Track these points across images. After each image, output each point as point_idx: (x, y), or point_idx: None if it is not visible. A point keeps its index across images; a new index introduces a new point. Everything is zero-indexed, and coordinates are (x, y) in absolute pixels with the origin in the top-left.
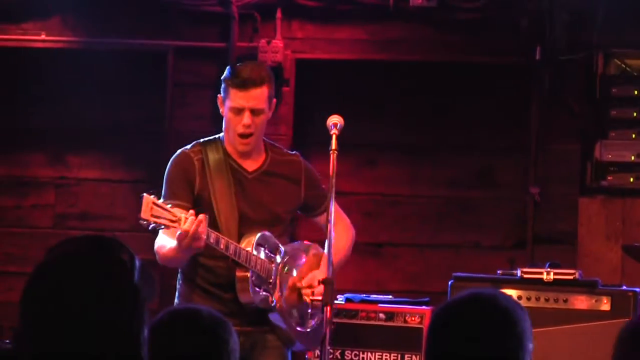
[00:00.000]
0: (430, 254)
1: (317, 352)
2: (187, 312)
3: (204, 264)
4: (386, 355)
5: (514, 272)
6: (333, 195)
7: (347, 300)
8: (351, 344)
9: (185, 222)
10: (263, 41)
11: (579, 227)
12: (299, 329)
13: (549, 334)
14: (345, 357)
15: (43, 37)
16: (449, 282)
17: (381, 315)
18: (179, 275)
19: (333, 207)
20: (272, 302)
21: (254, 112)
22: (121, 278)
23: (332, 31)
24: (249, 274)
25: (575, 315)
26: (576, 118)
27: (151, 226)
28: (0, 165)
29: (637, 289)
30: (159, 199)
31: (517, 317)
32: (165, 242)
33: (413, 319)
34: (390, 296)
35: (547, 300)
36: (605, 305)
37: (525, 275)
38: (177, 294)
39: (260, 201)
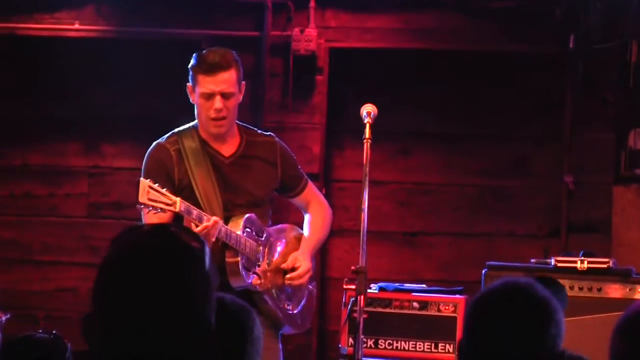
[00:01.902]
0: (464, 242)
1: (351, 340)
2: None
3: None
4: (420, 344)
5: (548, 261)
6: (367, 183)
7: (381, 289)
8: (385, 333)
9: (181, 204)
10: (296, 30)
11: (613, 215)
12: (286, 310)
13: (583, 322)
14: (379, 346)
15: (77, 26)
16: (483, 271)
17: (415, 305)
18: None
19: (366, 195)
20: (261, 284)
21: (225, 95)
22: (193, 267)
23: (365, 20)
24: (239, 258)
25: (609, 304)
26: (610, 107)
27: (148, 210)
28: (35, 155)
29: None
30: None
31: (555, 307)
32: None
33: (447, 308)
34: (424, 285)
35: (581, 289)
36: (639, 294)
37: (559, 264)
38: None
39: (240, 185)
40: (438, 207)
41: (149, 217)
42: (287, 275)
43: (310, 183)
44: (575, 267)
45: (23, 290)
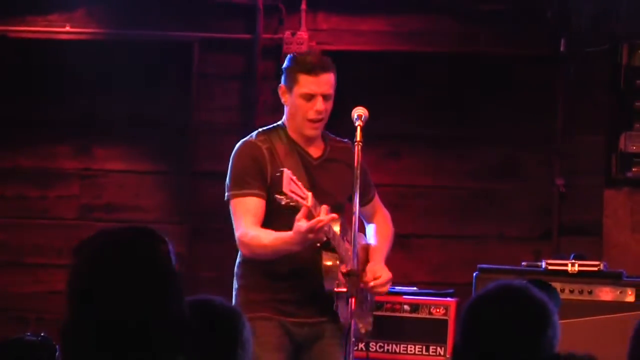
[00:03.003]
0: (455, 245)
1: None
2: (200, 302)
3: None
4: (411, 347)
5: (539, 263)
6: (357, 186)
7: None
8: (376, 335)
9: (311, 200)
10: (288, 33)
11: (605, 218)
12: (360, 317)
13: (574, 325)
14: (370, 348)
15: (68, 28)
16: (474, 274)
17: (406, 307)
18: (239, 267)
19: (357, 198)
20: (349, 289)
21: (325, 97)
22: (164, 266)
23: (357, 23)
24: (337, 261)
25: (600, 307)
26: (601, 109)
27: (287, 201)
28: (26, 157)
29: None
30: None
31: (551, 309)
32: (264, 233)
33: (438, 310)
34: (415, 288)
35: (572, 291)
36: (630, 296)
37: (550, 267)
38: (237, 285)
39: (326, 188)
40: (429, 209)
41: (243, 207)
42: (372, 283)
43: (377, 193)
44: (566, 270)
45: (14, 293)
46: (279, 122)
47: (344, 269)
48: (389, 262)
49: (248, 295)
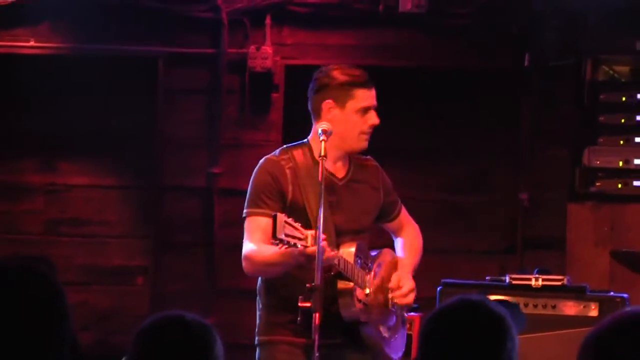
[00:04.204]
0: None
1: None
2: (172, 318)
3: (300, 277)
4: None
5: (503, 278)
6: (322, 201)
7: None
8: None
9: (311, 240)
10: (252, 47)
11: (568, 232)
12: (385, 336)
13: (538, 339)
14: None
15: (32, 43)
16: (438, 289)
17: None
18: (261, 288)
19: (322, 212)
20: (369, 314)
21: (376, 110)
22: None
23: (322, 37)
24: (353, 289)
25: (563, 321)
26: (566, 124)
27: (283, 246)
28: None
29: (625, 295)
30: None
31: (509, 322)
32: (263, 248)
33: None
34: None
35: (535, 306)
36: (593, 311)
37: (514, 282)
38: (260, 306)
39: (351, 209)
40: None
41: (251, 226)
42: (392, 294)
43: (403, 206)
44: (530, 285)
45: None
46: (304, 140)
47: (360, 294)
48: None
49: (269, 317)
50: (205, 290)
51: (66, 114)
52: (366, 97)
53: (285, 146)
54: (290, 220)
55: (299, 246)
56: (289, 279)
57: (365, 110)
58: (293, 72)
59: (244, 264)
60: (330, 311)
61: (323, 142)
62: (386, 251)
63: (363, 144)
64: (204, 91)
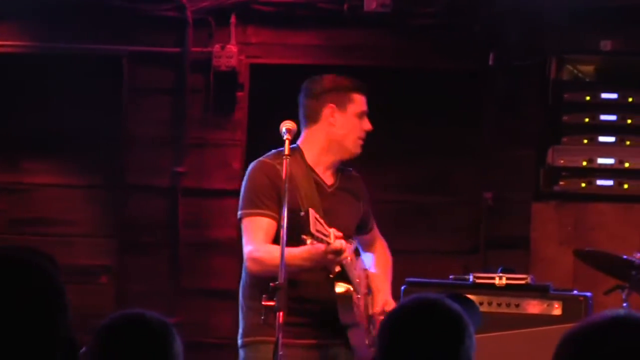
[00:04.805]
0: None
1: None
2: (132, 316)
3: (303, 278)
4: None
5: (467, 277)
6: (286, 200)
7: None
8: None
9: (335, 239)
10: (217, 46)
11: (532, 232)
12: (367, 344)
13: (501, 338)
14: None
15: None
16: (402, 288)
17: None
18: (246, 290)
19: (286, 212)
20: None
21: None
22: (38, 287)
23: (287, 36)
24: (353, 292)
25: (527, 320)
26: (530, 123)
27: (312, 241)
28: None
29: (589, 294)
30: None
31: (467, 319)
32: (274, 249)
33: None
34: None
35: (499, 305)
36: (556, 310)
37: (478, 280)
38: (244, 308)
39: (339, 216)
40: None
41: (253, 227)
42: (379, 318)
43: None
44: (494, 283)
45: None
46: (294, 145)
47: (354, 297)
48: None
49: (257, 318)
50: (169, 290)
51: (31, 113)
52: (363, 102)
53: (276, 150)
54: (318, 216)
55: (324, 241)
56: (297, 282)
57: (362, 115)
58: (258, 71)
59: (249, 264)
60: (326, 308)
61: (287, 141)
62: (358, 261)
63: (359, 149)
64: (169, 90)
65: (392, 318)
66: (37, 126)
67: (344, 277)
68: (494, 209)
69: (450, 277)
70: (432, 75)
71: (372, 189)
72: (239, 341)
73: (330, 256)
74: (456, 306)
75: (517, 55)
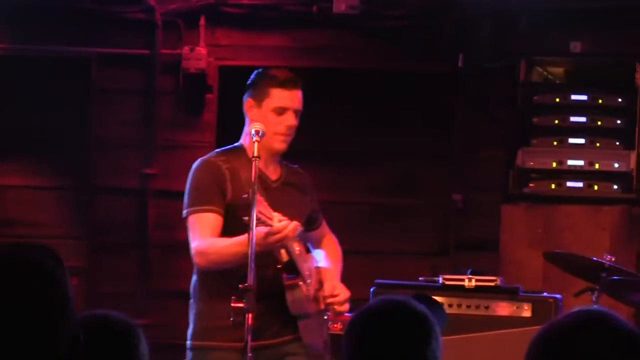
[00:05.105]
0: (353, 260)
1: None
2: (96, 317)
3: (236, 283)
4: None
5: (436, 279)
6: (255, 201)
7: None
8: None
9: (279, 221)
10: (186, 48)
11: (502, 234)
12: (322, 338)
13: (471, 340)
14: None
15: None
16: (371, 290)
17: None
18: (196, 292)
19: (255, 213)
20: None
21: (296, 113)
22: (44, 284)
23: (256, 38)
24: (301, 283)
25: (496, 322)
26: (499, 125)
27: (254, 223)
28: None
29: (558, 296)
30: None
31: (433, 320)
32: (217, 239)
33: (335, 325)
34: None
35: (468, 306)
36: (526, 311)
37: (447, 282)
38: (194, 310)
39: (285, 210)
40: (328, 224)
41: (199, 222)
42: (331, 300)
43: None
44: (463, 285)
45: None
46: (237, 144)
47: (303, 287)
48: None
49: (204, 322)
50: (139, 292)
51: (0, 114)
52: (283, 97)
53: (219, 150)
54: (262, 198)
55: (267, 224)
56: (224, 283)
57: (281, 111)
58: (227, 73)
59: (196, 259)
60: (275, 304)
61: (256, 143)
62: (310, 256)
63: (280, 145)
64: (138, 92)
65: (358, 319)
66: (6, 127)
67: (292, 267)
68: (463, 211)
69: (420, 278)
70: (402, 77)
71: (341, 191)
72: (188, 343)
73: (272, 238)
74: (422, 307)
75: (486, 58)
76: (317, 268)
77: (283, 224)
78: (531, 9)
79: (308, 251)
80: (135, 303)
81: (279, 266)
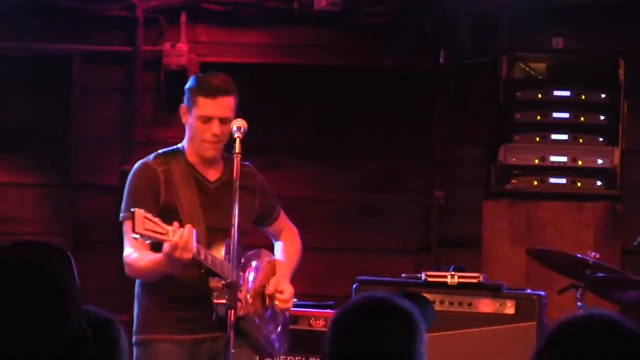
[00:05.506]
0: (335, 257)
1: None
2: None
3: (177, 277)
4: (290, 359)
5: (419, 275)
6: (237, 198)
7: None
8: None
9: (174, 234)
10: (167, 45)
11: (484, 230)
12: (267, 335)
13: (454, 337)
14: None
15: None
16: (354, 286)
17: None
18: (138, 288)
19: (237, 209)
20: (243, 309)
21: (222, 120)
22: (59, 282)
23: (237, 35)
24: (223, 283)
25: (479, 319)
26: (481, 122)
27: (148, 241)
28: None
29: (542, 293)
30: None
31: (418, 317)
32: (142, 255)
33: (317, 322)
34: (295, 300)
35: (451, 303)
36: (509, 308)
37: (430, 279)
38: (137, 306)
39: (224, 210)
40: (309, 221)
41: (130, 235)
42: (276, 299)
43: (282, 211)
44: (446, 282)
45: None
46: (179, 145)
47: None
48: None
49: (147, 317)
50: (120, 288)
51: None
52: (207, 105)
53: (160, 151)
54: (149, 215)
55: (161, 241)
56: (170, 280)
57: (206, 120)
58: (208, 70)
59: (125, 268)
60: (208, 307)
61: (237, 139)
62: (263, 253)
63: (208, 152)
64: (119, 89)
65: (342, 316)
66: None
67: (213, 272)
68: (445, 207)
69: (402, 275)
70: (383, 73)
71: (324, 188)
72: (133, 338)
73: (175, 254)
74: (407, 303)
75: (468, 54)
76: (272, 262)
77: (177, 235)
78: (513, 4)
79: (245, 248)
80: (116, 299)
81: (202, 271)
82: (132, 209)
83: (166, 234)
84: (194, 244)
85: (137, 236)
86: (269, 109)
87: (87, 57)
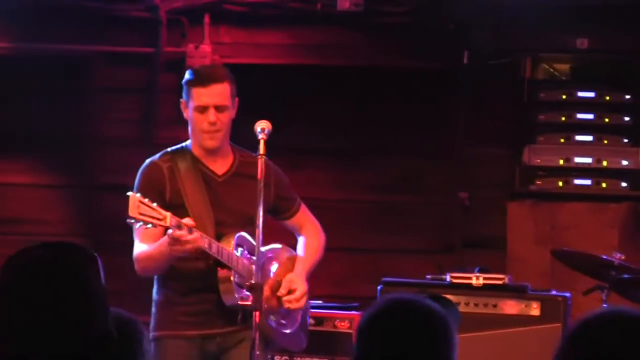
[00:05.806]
0: (358, 258)
1: None
2: None
3: (180, 268)
4: None
5: (443, 277)
6: (261, 199)
7: None
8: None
9: (170, 220)
10: (191, 46)
11: (508, 231)
12: (279, 330)
13: (479, 339)
14: None
15: None
16: (378, 288)
17: (310, 320)
18: (154, 285)
19: (261, 211)
20: (253, 302)
21: (218, 108)
22: (88, 280)
23: (259, 36)
24: (231, 274)
25: (505, 320)
26: (504, 122)
27: (138, 224)
28: None
29: (567, 294)
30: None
31: (446, 322)
32: (146, 249)
33: (342, 324)
34: (320, 301)
35: (476, 305)
36: (535, 310)
37: (455, 280)
38: (153, 304)
39: (232, 204)
40: (331, 222)
41: (140, 232)
42: (285, 299)
43: (303, 205)
44: (471, 283)
45: None
46: (184, 143)
47: (240, 281)
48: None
49: (159, 314)
50: (140, 289)
51: (3, 113)
52: (200, 95)
53: (167, 149)
54: (146, 200)
55: (157, 226)
56: (178, 273)
57: (202, 109)
58: (231, 71)
59: (135, 266)
60: (217, 299)
61: (262, 141)
62: (283, 248)
63: (207, 142)
64: (141, 90)
65: (370, 316)
66: (8, 126)
67: (220, 263)
68: (469, 208)
69: (427, 276)
70: (406, 74)
71: (347, 189)
72: (151, 335)
73: (176, 247)
74: (436, 306)
75: (491, 54)
76: (292, 257)
77: (181, 233)
78: (537, 5)
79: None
80: (138, 300)
81: (211, 261)
82: (127, 193)
83: (163, 219)
84: (201, 243)
85: (132, 220)
86: (292, 110)
87: (109, 58)
